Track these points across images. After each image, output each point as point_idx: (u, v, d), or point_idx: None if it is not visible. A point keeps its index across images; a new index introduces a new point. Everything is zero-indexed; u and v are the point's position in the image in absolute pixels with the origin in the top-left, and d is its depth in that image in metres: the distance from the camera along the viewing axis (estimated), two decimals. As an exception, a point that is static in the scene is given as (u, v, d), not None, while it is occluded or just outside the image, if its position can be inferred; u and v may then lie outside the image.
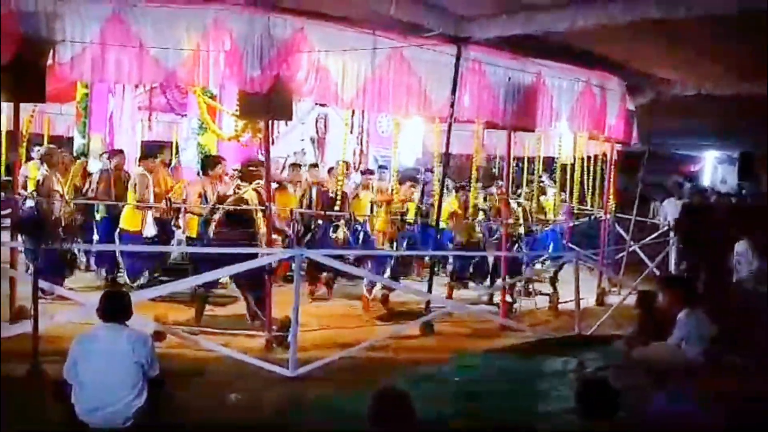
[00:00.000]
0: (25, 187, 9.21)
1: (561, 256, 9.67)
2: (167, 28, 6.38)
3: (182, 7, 6.46)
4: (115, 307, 4.43)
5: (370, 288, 8.63)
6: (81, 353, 4.27)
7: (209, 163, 8.02)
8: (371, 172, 10.20)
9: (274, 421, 5.10)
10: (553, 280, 9.62)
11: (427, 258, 10.01)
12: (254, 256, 6.69)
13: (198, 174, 9.38)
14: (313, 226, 9.14)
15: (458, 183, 10.78)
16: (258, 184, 7.47)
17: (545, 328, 8.20)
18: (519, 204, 10.11)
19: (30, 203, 8.25)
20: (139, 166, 9.03)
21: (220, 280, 7.61)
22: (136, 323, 4.74)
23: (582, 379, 4.08)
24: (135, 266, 8.44)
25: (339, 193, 8.76)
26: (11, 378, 5.32)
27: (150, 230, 8.63)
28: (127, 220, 8.54)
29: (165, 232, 8.98)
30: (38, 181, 8.04)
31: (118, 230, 8.59)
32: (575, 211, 11.97)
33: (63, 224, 7.91)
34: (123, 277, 8.61)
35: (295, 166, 9.95)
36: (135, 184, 8.59)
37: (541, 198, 11.18)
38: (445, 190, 9.07)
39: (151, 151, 9.86)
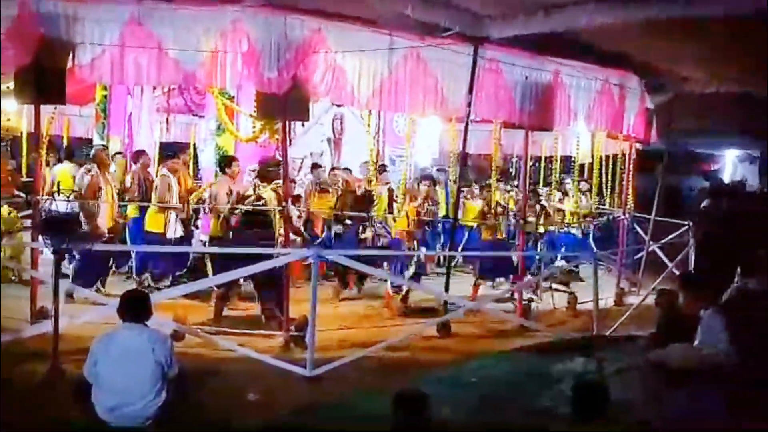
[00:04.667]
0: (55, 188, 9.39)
1: (576, 256, 9.63)
2: (185, 30, 6.43)
3: (200, 9, 6.50)
4: (135, 307, 4.46)
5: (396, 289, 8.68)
6: (101, 353, 4.30)
7: (225, 162, 8.07)
8: (384, 168, 10.35)
9: (292, 421, 5.11)
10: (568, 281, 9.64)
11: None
12: (272, 256, 6.72)
13: (216, 174, 9.49)
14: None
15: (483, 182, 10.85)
16: (277, 184, 7.51)
17: (564, 329, 8.15)
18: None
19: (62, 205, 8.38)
20: (161, 167, 9.08)
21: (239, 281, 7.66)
22: (156, 323, 4.78)
23: (576, 383, 4.07)
24: (160, 267, 8.52)
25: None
26: (32, 377, 5.39)
27: (176, 231, 8.73)
28: (151, 222, 8.62)
29: (186, 233, 9.07)
30: (85, 181, 8.10)
31: (144, 232, 8.67)
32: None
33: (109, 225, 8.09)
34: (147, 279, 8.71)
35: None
36: (157, 186, 8.65)
37: (564, 199, 11.16)
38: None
39: (171, 151, 9.92)
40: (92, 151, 8.64)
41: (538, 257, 10.04)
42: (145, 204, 8.73)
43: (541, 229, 10.30)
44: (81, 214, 7.90)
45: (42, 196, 8.43)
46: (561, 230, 10.83)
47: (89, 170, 8.15)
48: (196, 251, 8.83)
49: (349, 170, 10.83)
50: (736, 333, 5.74)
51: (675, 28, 7.41)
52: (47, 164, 11.23)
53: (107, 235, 8.19)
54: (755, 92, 10.35)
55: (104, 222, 8.16)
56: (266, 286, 7.19)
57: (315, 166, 10.78)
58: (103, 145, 10.10)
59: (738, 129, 16.06)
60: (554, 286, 9.75)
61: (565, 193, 11.36)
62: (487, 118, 8.61)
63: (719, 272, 7.60)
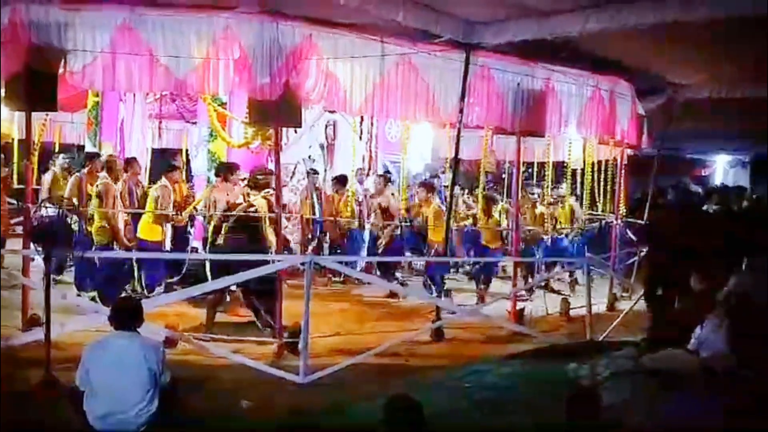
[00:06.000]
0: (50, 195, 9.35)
1: (572, 262, 9.66)
2: (177, 36, 6.44)
3: (192, 16, 6.51)
4: (126, 315, 4.45)
5: None
6: (93, 360, 4.28)
7: (228, 169, 8.04)
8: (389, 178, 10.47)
9: (285, 428, 5.09)
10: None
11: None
12: (265, 263, 6.70)
13: (208, 180, 9.49)
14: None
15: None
16: (267, 192, 7.50)
17: (557, 334, 8.16)
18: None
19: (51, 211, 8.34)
20: (162, 177, 9.02)
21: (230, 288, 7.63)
22: (148, 330, 4.76)
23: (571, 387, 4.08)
24: (152, 277, 8.40)
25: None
26: (24, 385, 5.35)
27: (172, 240, 8.71)
28: (146, 231, 8.50)
29: (180, 240, 9.02)
30: (98, 189, 8.00)
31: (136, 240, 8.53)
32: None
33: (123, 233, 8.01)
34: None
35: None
36: (158, 197, 8.52)
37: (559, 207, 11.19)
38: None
39: (166, 159, 9.88)
40: (103, 159, 8.58)
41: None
42: (131, 212, 8.67)
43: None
44: (108, 224, 7.87)
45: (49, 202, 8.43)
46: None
47: (101, 178, 8.10)
48: (189, 258, 8.77)
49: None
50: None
51: (666, 34, 7.46)
52: (46, 170, 11.22)
53: (128, 245, 8.10)
54: (746, 97, 10.42)
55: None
56: (259, 293, 7.17)
57: (311, 172, 10.80)
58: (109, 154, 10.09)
59: (731, 134, 16.18)
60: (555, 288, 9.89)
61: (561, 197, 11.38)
62: (479, 124, 8.63)
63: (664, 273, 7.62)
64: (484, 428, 5.22)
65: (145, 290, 8.38)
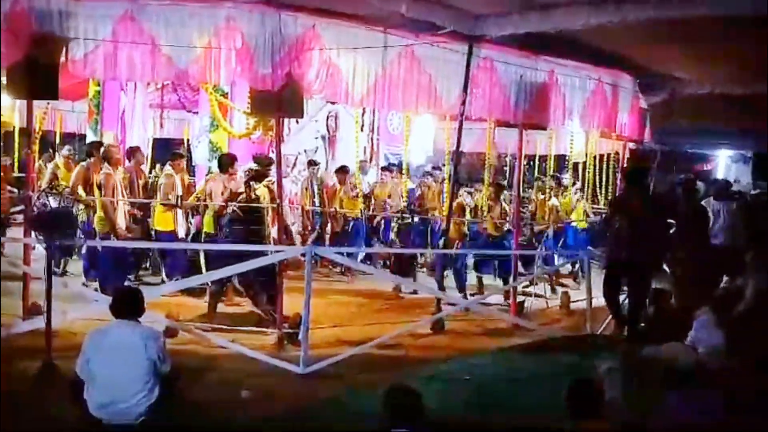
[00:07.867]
0: (51, 184, 9.36)
1: (573, 255, 9.65)
2: (179, 26, 6.41)
3: (194, 6, 6.48)
4: (127, 304, 4.45)
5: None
6: (94, 349, 4.29)
7: (226, 161, 8.04)
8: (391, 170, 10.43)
9: (286, 418, 5.11)
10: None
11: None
12: (266, 253, 6.71)
13: (209, 171, 9.48)
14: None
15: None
16: (269, 180, 7.50)
17: (556, 327, 8.16)
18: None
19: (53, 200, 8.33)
20: (166, 165, 9.01)
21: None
22: (149, 320, 4.77)
23: (571, 380, 4.06)
24: (174, 265, 8.52)
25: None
26: (25, 374, 5.37)
27: (181, 229, 8.75)
28: (159, 221, 8.56)
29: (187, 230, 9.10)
30: (100, 180, 7.94)
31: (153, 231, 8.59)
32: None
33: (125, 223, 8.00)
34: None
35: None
36: (162, 185, 8.55)
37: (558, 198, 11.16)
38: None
39: (169, 149, 9.87)
40: (102, 149, 8.58)
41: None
42: (133, 201, 8.66)
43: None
44: (104, 214, 7.83)
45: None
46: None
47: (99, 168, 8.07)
48: (189, 248, 8.79)
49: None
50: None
51: (670, 28, 7.44)
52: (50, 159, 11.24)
53: (128, 235, 8.04)
54: (747, 92, 10.39)
55: (121, 221, 7.98)
56: (259, 284, 7.18)
57: (311, 163, 10.80)
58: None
59: (732, 129, 16.13)
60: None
61: (564, 188, 11.33)
62: (481, 117, 8.62)
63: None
64: (482, 420, 5.22)
65: (166, 279, 8.47)
